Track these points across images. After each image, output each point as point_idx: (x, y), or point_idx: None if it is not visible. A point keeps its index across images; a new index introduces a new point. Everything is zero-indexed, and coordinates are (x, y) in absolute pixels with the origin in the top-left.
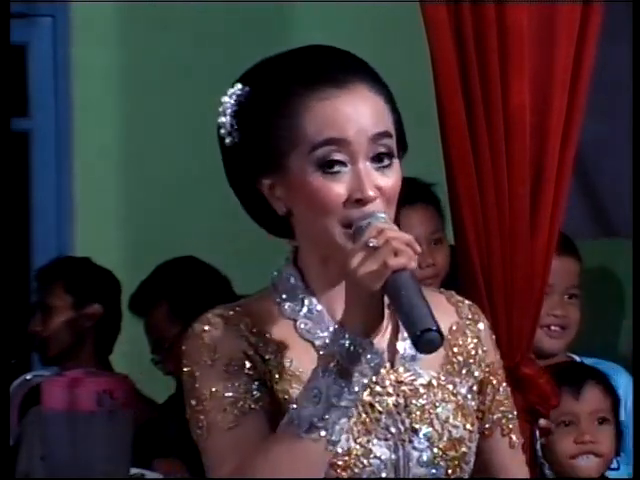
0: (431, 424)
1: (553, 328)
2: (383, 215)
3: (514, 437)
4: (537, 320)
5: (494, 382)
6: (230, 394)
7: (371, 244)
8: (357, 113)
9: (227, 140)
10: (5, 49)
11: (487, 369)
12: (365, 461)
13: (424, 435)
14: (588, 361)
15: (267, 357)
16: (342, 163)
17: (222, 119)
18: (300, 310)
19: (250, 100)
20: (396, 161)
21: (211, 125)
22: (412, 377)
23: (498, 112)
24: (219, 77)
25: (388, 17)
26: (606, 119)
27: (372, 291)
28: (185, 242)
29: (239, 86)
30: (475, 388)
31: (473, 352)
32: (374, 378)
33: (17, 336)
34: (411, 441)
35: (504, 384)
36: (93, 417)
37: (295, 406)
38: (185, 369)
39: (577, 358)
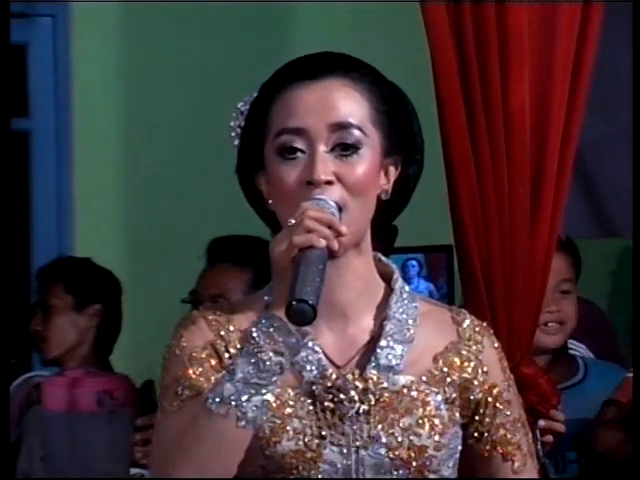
0: (391, 432)
1: (550, 324)
2: (332, 202)
3: (517, 463)
4: (537, 320)
5: (497, 405)
6: (185, 381)
7: (289, 224)
8: (319, 102)
9: (235, 142)
10: (5, 49)
11: (486, 391)
12: (314, 465)
13: (382, 442)
14: (587, 361)
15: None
16: (301, 150)
17: (232, 123)
18: None
19: (250, 104)
20: (364, 152)
21: (211, 125)
22: (382, 385)
23: (498, 112)
24: (219, 77)
25: (388, 17)
26: (606, 119)
27: (282, 269)
28: (185, 242)
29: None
30: (455, 400)
31: (468, 374)
32: (337, 384)
33: (17, 336)
34: (367, 448)
35: (510, 408)
36: (93, 417)
37: None
38: (163, 357)
39: (578, 357)
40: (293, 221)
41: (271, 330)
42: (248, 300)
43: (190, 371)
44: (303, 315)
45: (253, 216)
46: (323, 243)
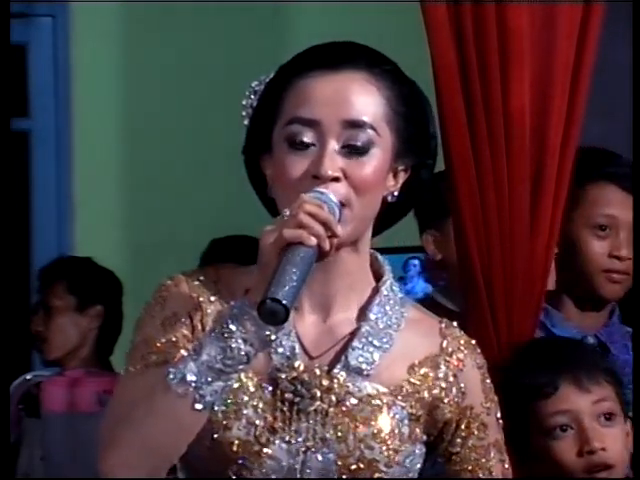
0: (344, 439)
1: None
2: (334, 199)
3: None
4: (537, 320)
5: (471, 426)
6: (153, 345)
7: (284, 214)
8: (336, 95)
9: (245, 122)
10: (5, 49)
11: (460, 411)
12: (259, 458)
13: (333, 448)
14: None
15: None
16: (311, 142)
17: (244, 101)
18: None
19: (265, 84)
20: (375, 152)
21: (211, 124)
22: (347, 388)
23: (498, 112)
24: (219, 77)
25: (388, 17)
26: (606, 119)
27: (267, 260)
28: (185, 242)
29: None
30: (421, 417)
31: (441, 390)
32: (302, 377)
33: (17, 336)
34: (316, 450)
35: (487, 432)
36: (93, 417)
37: None
38: (140, 313)
39: None
40: (288, 212)
41: (245, 318)
42: (237, 272)
43: (161, 337)
44: (274, 315)
45: (253, 216)
46: (313, 242)
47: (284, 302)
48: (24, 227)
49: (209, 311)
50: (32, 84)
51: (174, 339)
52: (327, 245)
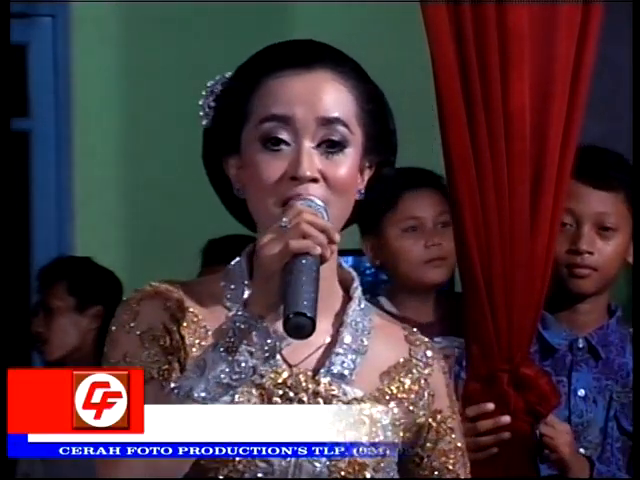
0: (336, 442)
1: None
2: (320, 203)
3: None
4: (537, 320)
5: (440, 430)
6: (136, 361)
7: (282, 225)
8: (309, 93)
9: (204, 122)
10: (5, 49)
11: (431, 415)
12: (251, 461)
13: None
14: None
15: (188, 337)
16: (285, 141)
17: (201, 101)
18: (238, 301)
19: (225, 83)
20: (349, 151)
21: None
22: (333, 392)
23: (498, 112)
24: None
25: (388, 17)
26: (606, 119)
27: (271, 272)
28: (185, 242)
29: (228, 73)
30: (402, 424)
31: (415, 395)
32: (288, 382)
33: (17, 336)
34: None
35: (453, 436)
36: None
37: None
38: (110, 329)
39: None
40: (285, 220)
41: (250, 331)
42: (202, 282)
43: (141, 353)
44: (302, 329)
45: None
46: (319, 251)
47: (309, 315)
48: (24, 227)
49: (182, 320)
50: (32, 84)
51: (154, 353)
52: (328, 252)
